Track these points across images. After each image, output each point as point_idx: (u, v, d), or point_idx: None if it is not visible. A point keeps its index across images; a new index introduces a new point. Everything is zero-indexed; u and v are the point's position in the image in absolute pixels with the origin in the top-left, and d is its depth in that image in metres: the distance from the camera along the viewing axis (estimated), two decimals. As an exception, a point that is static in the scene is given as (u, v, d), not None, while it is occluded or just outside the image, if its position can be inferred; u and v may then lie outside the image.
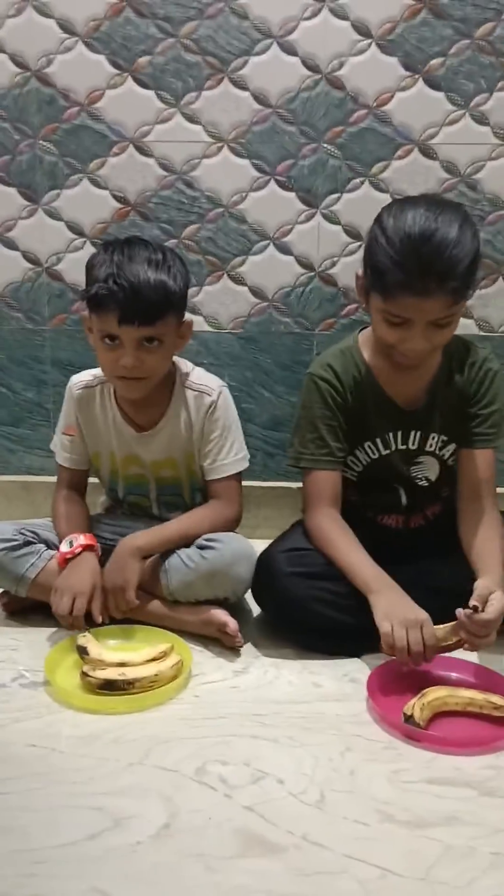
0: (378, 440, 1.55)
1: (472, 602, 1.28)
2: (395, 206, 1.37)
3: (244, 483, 1.66)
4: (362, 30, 1.78)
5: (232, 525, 1.60)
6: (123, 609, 1.49)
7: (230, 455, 1.60)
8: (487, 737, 1.23)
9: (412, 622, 1.32)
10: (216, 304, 1.94)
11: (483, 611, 1.27)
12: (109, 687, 1.32)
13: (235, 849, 1.02)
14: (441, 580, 1.47)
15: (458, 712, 1.28)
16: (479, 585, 1.33)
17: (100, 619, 1.45)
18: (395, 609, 1.35)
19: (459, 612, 1.28)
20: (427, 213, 1.31)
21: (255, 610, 1.60)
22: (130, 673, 1.33)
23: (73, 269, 1.91)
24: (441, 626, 1.33)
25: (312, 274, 1.91)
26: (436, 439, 1.55)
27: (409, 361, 1.43)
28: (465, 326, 1.89)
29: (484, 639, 1.29)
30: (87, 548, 1.50)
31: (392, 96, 1.81)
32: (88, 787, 1.13)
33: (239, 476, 1.62)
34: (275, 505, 1.96)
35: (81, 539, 1.51)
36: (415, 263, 1.29)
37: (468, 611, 1.27)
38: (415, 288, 1.30)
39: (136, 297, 1.41)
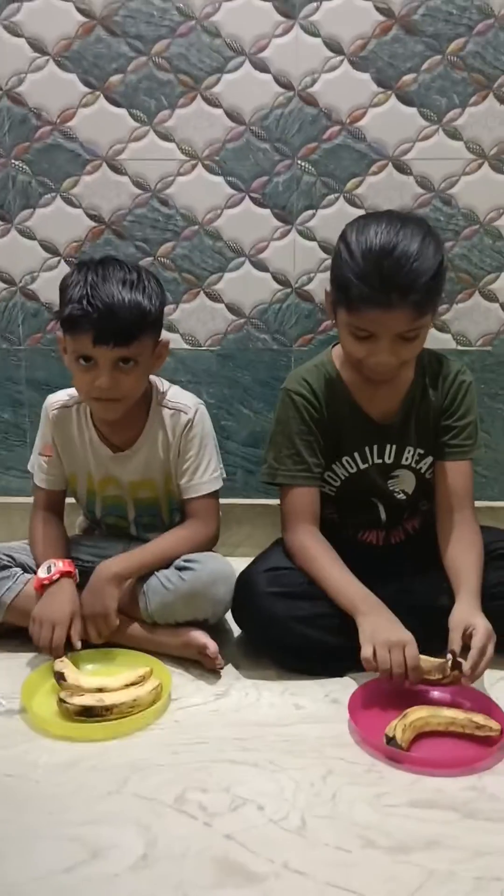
0: (356, 454, 1.54)
1: (450, 648, 1.30)
2: (359, 222, 1.38)
3: (224, 501, 1.65)
4: (334, 46, 1.78)
5: (210, 544, 1.59)
6: (104, 635, 1.47)
7: (206, 473, 1.59)
8: (470, 757, 1.22)
9: (395, 643, 1.31)
10: (193, 321, 1.93)
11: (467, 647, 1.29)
12: (87, 713, 1.30)
13: (215, 878, 1.00)
14: (423, 598, 1.47)
15: (441, 732, 1.27)
16: (455, 619, 1.33)
17: (79, 646, 1.44)
18: (379, 631, 1.34)
19: (450, 659, 1.30)
20: (389, 228, 1.33)
21: (236, 630, 1.59)
22: (108, 698, 1.31)
23: (48, 288, 1.90)
24: (428, 658, 1.32)
25: (289, 290, 1.91)
26: (412, 453, 1.55)
27: (379, 376, 1.42)
28: (443, 341, 1.89)
29: (479, 671, 1.29)
30: (65, 574, 1.48)
31: (365, 112, 1.81)
32: (65, 816, 1.11)
33: (216, 494, 1.61)
34: (255, 522, 1.95)
35: (60, 565, 1.49)
36: (377, 277, 1.30)
37: (460, 661, 1.28)
38: (377, 301, 1.31)
39: (111, 318, 1.40)
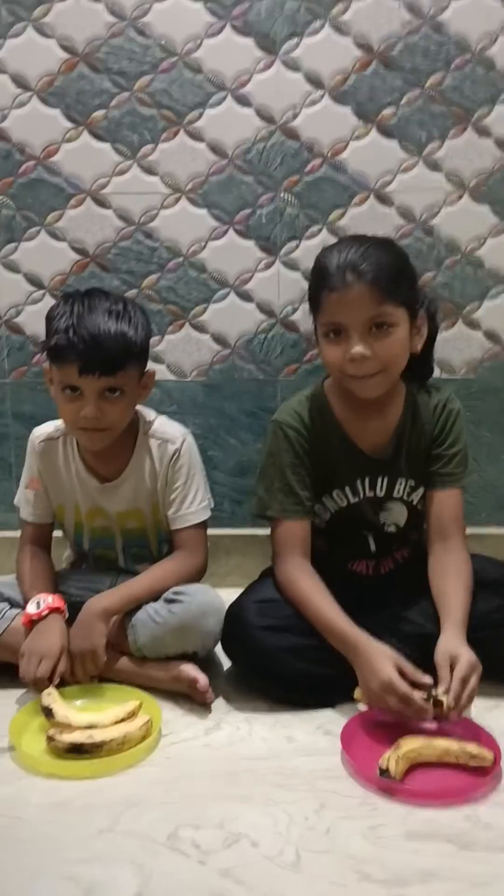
0: (347, 488, 1.54)
1: (426, 686, 1.29)
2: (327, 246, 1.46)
3: (212, 532, 1.65)
4: (315, 81, 1.81)
5: (198, 575, 1.58)
6: (92, 674, 1.46)
7: (195, 504, 1.58)
8: (464, 787, 1.20)
9: (386, 686, 1.29)
10: (179, 352, 1.94)
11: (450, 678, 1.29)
12: (77, 750, 1.28)
13: (210, 918, 0.98)
14: (415, 626, 1.47)
15: (434, 763, 1.26)
16: (439, 653, 1.32)
17: (56, 681, 1.41)
18: (368, 677, 1.32)
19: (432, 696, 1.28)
20: (351, 241, 1.42)
21: (226, 663, 1.57)
22: (98, 735, 1.29)
23: (33, 321, 1.90)
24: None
25: (274, 321, 1.92)
26: (403, 485, 1.55)
27: (363, 390, 1.43)
28: (427, 369, 1.90)
29: (462, 703, 1.28)
30: (54, 610, 1.47)
31: (346, 145, 1.84)
32: (58, 855, 1.09)
33: (204, 524, 1.61)
34: (244, 552, 1.94)
35: (49, 600, 1.48)
36: (333, 264, 1.38)
37: (441, 700, 1.27)
38: (334, 284, 1.37)
39: (97, 348, 1.41)
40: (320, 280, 1.40)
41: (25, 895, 1.02)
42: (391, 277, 1.36)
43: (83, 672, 1.46)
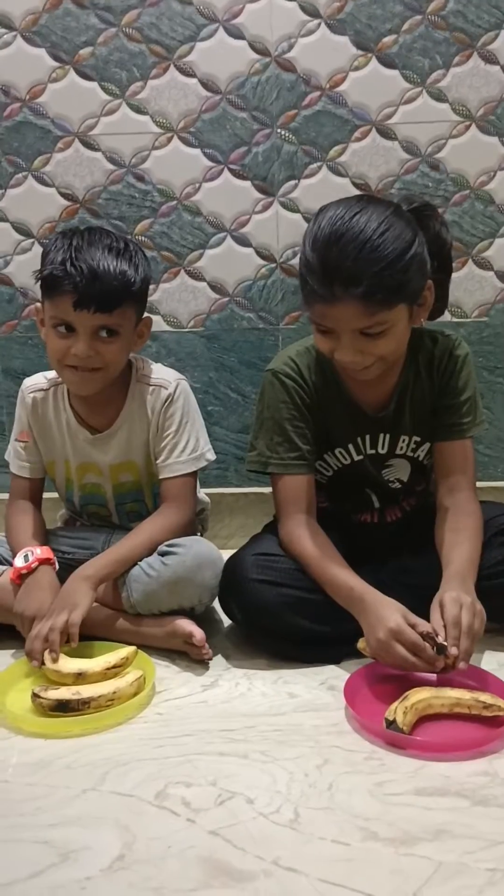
0: (350, 446, 1.44)
1: (426, 632, 1.20)
2: (322, 209, 1.25)
3: (214, 490, 1.57)
4: (310, 10, 1.71)
5: (186, 528, 1.49)
6: (58, 629, 1.29)
7: (185, 453, 1.49)
8: (478, 739, 1.12)
9: (395, 631, 1.20)
10: (175, 301, 1.85)
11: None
12: (63, 708, 1.20)
13: (198, 880, 0.90)
14: (421, 577, 1.37)
15: (445, 715, 1.17)
16: (434, 600, 1.24)
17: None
18: (374, 629, 1.23)
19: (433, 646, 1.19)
20: (344, 214, 1.19)
21: (226, 622, 1.49)
22: (85, 692, 1.22)
23: (22, 271, 1.82)
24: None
25: (273, 265, 1.82)
26: (406, 441, 1.45)
27: (356, 375, 1.32)
28: (437, 313, 1.80)
29: (463, 647, 1.19)
30: (43, 561, 1.40)
31: (345, 77, 1.74)
32: (35, 818, 1.01)
33: (194, 475, 1.52)
34: (248, 512, 1.86)
35: (38, 552, 1.41)
36: (320, 269, 1.19)
37: (443, 644, 1.18)
38: (320, 294, 1.20)
39: (94, 281, 1.33)
40: (307, 279, 1.22)
41: (-4, 860, 0.94)
42: (388, 287, 1.18)
43: (50, 629, 1.29)
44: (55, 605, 1.33)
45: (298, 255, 1.28)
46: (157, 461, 1.50)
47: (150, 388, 1.49)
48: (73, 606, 1.31)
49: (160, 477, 1.50)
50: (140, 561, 1.42)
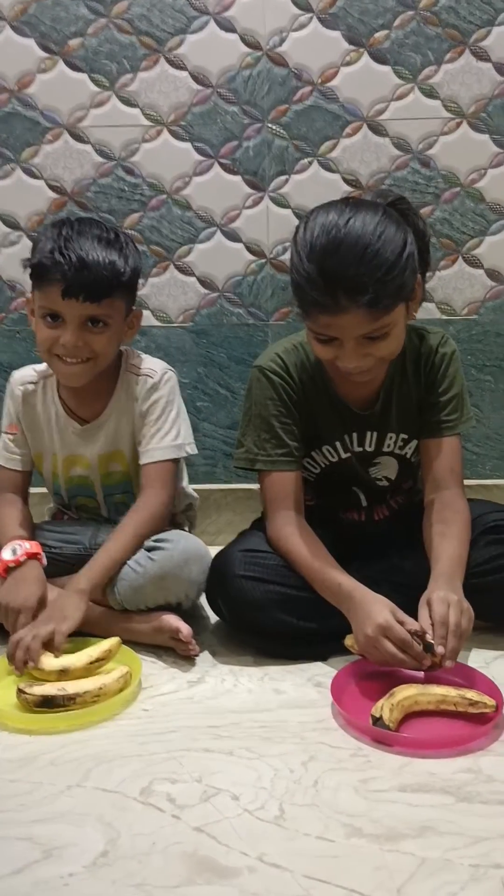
0: (337, 443, 1.44)
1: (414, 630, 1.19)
2: (309, 216, 1.24)
3: (202, 486, 1.56)
4: (302, 4, 1.71)
5: (166, 509, 1.47)
6: (41, 638, 1.28)
7: (166, 440, 1.48)
8: (464, 736, 1.12)
9: (383, 629, 1.20)
10: (164, 296, 1.84)
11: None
12: (48, 704, 1.19)
13: (182, 876, 0.89)
14: (409, 576, 1.37)
15: (431, 712, 1.17)
16: (422, 599, 1.24)
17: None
18: (362, 624, 1.23)
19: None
20: (337, 221, 1.18)
21: (213, 617, 1.49)
22: (71, 687, 1.21)
23: (10, 264, 1.81)
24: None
25: (263, 261, 1.82)
26: (393, 439, 1.44)
27: (357, 378, 1.31)
28: (427, 310, 1.80)
29: (450, 646, 1.19)
30: (32, 556, 1.39)
31: (337, 72, 1.73)
32: (18, 815, 1.00)
33: (175, 462, 1.50)
34: (236, 508, 1.86)
35: (27, 546, 1.40)
36: (321, 279, 1.18)
37: (430, 642, 1.18)
38: (325, 305, 1.19)
39: (83, 270, 1.33)
40: (306, 290, 1.20)
41: (-24, 857, 0.93)
42: (391, 290, 1.18)
43: (36, 640, 1.26)
44: (45, 614, 1.32)
45: (289, 262, 1.26)
46: (139, 447, 1.49)
47: (139, 377, 1.49)
48: (63, 619, 1.30)
49: (140, 462, 1.49)
50: (133, 554, 1.42)
